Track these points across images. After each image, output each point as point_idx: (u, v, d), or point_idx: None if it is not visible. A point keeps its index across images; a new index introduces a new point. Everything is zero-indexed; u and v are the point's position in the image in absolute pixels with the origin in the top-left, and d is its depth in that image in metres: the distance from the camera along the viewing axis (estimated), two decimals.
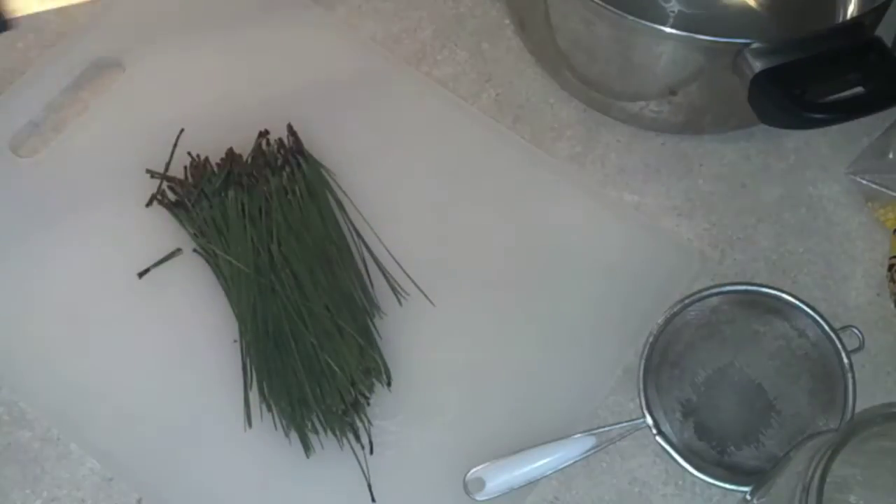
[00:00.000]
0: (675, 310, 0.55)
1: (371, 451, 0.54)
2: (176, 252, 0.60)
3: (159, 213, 0.61)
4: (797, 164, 0.64)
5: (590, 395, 0.57)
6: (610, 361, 0.58)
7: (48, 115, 0.65)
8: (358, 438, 0.55)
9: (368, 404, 0.55)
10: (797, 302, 0.55)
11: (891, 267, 0.59)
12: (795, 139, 0.65)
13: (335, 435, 0.54)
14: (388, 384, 0.56)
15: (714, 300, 0.56)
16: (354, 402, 0.55)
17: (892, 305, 0.59)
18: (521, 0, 0.65)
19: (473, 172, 0.63)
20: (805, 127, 0.58)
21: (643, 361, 0.54)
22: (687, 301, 0.55)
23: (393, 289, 0.59)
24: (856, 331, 0.55)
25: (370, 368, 0.56)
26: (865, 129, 0.64)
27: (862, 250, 0.61)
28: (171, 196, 0.61)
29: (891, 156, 0.62)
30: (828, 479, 0.41)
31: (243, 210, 0.59)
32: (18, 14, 0.59)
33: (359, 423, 0.55)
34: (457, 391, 0.56)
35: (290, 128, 0.63)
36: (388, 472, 0.54)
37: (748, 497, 0.50)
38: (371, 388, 0.56)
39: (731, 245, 0.62)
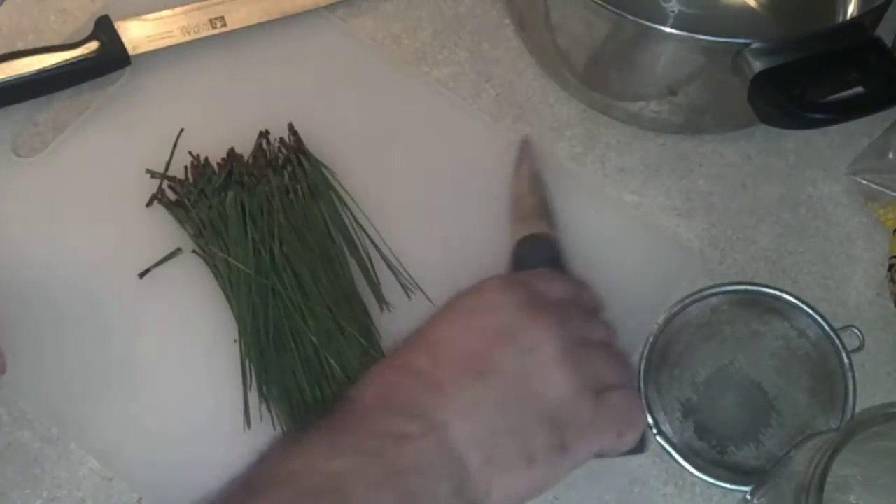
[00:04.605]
0: (675, 310, 0.55)
1: None
2: (176, 252, 0.60)
3: (159, 213, 0.61)
4: (797, 164, 0.64)
5: None
6: None
7: (48, 115, 0.65)
8: None
9: None
10: (797, 302, 0.54)
11: (891, 267, 0.59)
12: (795, 139, 0.65)
13: None
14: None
15: (714, 300, 0.56)
16: None
17: (892, 305, 0.59)
18: (521, 0, 0.65)
19: (473, 172, 0.63)
20: (805, 127, 0.58)
21: (643, 361, 0.54)
22: (687, 301, 0.55)
23: (402, 284, 0.59)
24: (856, 331, 0.55)
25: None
26: (865, 129, 0.63)
27: (862, 250, 0.61)
28: (171, 196, 0.61)
29: (891, 156, 0.62)
30: (828, 479, 0.41)
31: (243, 210, 0.59)
32: (140, 50, 0.64)
33: None
34: None
35: (290, 127, 0.63)
36: None
37: (748, 497, 0.50)
38: None
39: (731, 245, 0.62)
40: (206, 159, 0.62)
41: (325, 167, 0.62)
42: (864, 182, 0.62)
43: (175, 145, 0.63)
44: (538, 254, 0.58)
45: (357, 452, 0.40)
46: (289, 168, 0.61)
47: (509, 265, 0.58)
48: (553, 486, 0.45)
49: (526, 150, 0.62)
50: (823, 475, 0.41)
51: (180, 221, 0.60)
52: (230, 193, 0.60)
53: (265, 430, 0.55)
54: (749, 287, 0.56)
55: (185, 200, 0.60)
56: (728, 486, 0.52)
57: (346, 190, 0.62)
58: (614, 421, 0.45)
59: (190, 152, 0.62)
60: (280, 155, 0.62)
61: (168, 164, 0.62)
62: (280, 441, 0.41)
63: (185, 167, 0.62)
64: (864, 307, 0.59)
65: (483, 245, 0.60)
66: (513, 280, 0.48)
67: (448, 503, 0.41)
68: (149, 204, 0.61)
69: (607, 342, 0.50)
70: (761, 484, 0.49)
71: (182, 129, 0.63)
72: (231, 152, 0.62)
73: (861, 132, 0.64)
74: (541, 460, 0.42)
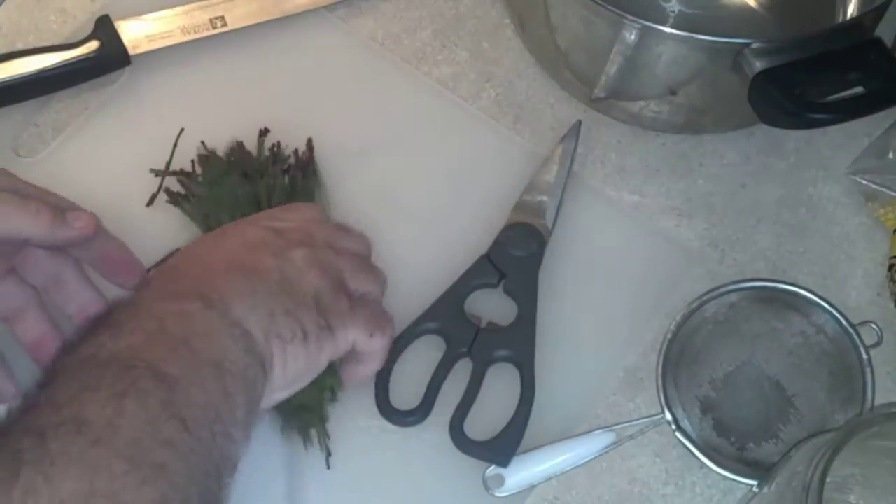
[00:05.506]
0: (692, 306, 0.55)
1: (328, 467, 0.54)
2: (176, 252, 0.60)
3: (160, 213, 0.61)
4: (797, 164, 0.64)
5: (590, 396, 0.57)
6: (610, 362, 0.58)
7: (48, 115, 0.65)
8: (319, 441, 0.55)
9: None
10: (815, 298, 0.54)
11: (891, 267, 0.59)
12: (795, 139, 0.65)
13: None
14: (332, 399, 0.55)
15: (733, 297, 0.55)
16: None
17: (892, 305, 0.59)
18: (521, 0, 0.65)
19: (473, 172, 0.63)
20: (805, 127, 0.58)
21: (661, 358, 0.54)
22: (706, 297, 0.55)
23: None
24: (874, 326, 0.54)
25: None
26: (865, 129, 0.64)
27: (862, 250, 0.61)
28: (178, 189, 0.61)
29: (891, 156, 0.62)
30: (828, 479, 0.41)
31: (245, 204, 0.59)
32: (140, 50, 0.64)
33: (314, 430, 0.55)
34: (456, 392, 0.56)
35: (309, 142, 0.62)
36: (389, 472, 0.54)
37: (755, 490, 0.50)
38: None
39: (731, 245, 0.62)
40: (213, 151, 0.62)
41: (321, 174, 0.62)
42: (864, 182, 0.62)
43: (175, 145, 0.63)
44: (519, 240, 0.59)
45: (141, 331, 0.43)
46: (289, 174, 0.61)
47: (489, 248, 0.59)
48: (322, 366, 0.50)
49: (573, 133, 0.63)
50: (823, 475, 0.41)
51: (189, 215, 0.60)
52: (236, 186, 0.60)
53: (264, 430, 0.55)
54: (767, 283, 0.55)
55: (191, 195, 0.60)
56: (748, 481, 0.52)
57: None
58: (367, 319, 0.51)
59: (202, 142, 0.62)
60: (288, 165, 0.62)
61: (168, 163, 0.62)
62: (64, 344, 0.44)
63: (192, 161, 0.62)
64: (864, 307, 0.59)
65: (480, 245, 0.60)
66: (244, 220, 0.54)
67: (243, 361, 0.44)
68: (149, 203, 0.61)
69: (358, 252, 0.55)
70: (764, 481, 0.49)
71: (182, 129, 0.63)
72: (240, 145, 0.62)
73: (861, 132, 0.64)
74: (311, 337, 0.48)
